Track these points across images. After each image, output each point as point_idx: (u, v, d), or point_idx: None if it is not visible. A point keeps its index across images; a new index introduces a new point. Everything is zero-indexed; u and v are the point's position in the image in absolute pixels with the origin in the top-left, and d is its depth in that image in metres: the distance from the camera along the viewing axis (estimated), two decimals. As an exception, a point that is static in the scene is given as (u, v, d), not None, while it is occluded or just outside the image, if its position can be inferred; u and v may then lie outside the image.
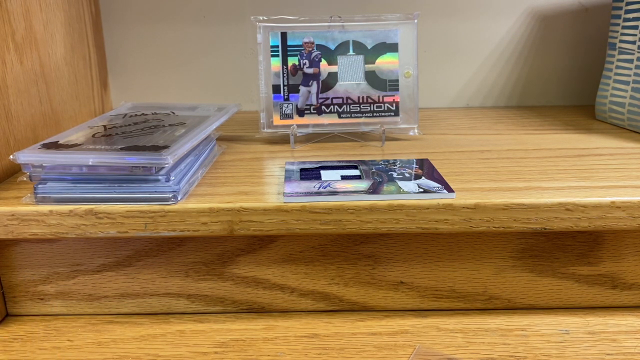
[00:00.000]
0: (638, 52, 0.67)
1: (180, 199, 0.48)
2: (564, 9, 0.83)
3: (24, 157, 0.46)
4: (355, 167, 0.55)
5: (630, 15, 0.68)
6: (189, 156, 0.52)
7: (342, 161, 0.57)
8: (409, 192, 0.48)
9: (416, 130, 0.66)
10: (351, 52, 0.64)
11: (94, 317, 0.53)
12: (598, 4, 0.82)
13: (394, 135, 0.68)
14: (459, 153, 0.61)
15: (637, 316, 0.52)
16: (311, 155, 0.61)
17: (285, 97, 0.64)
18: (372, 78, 0.65)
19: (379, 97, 0.65)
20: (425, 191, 0.48)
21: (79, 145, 0.49)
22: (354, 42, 0.64)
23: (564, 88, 0.86)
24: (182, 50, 0.84)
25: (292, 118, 0.65)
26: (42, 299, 0.54)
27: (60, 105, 0.67)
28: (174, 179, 0.47)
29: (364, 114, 0.65)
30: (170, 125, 0.56)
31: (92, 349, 0.49)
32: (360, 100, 0.65)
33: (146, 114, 0.61)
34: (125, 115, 0.61)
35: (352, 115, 0.65)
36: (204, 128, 0.55)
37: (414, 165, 0.55)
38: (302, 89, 0.64)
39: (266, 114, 0.65)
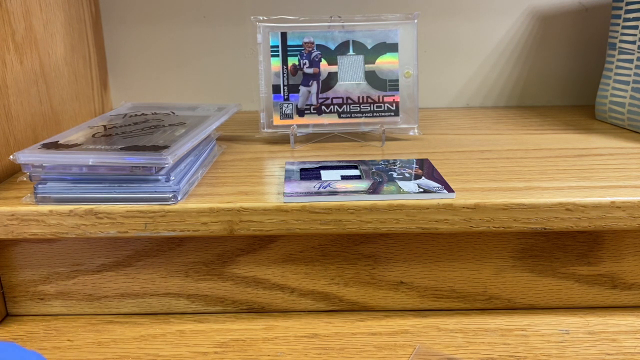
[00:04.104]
0: (638, 52, 0.67)
1: (180, 199, 0.48)
2: (564, 9, 0.83)
3: (24, 157, 0.46)
4: (355, 167, 0.55)
5: (630, 15, 0.68)
6: (189, 156, 0.52)
7: (342, 161, 0.57)
8: (409, 192, 0.48)
9: (416, 130, 0.66)
10: (351, 52, 0.64)
11: (94, 317, 0.53)
12: (598, 4, 0.82)
13: (394, 135, 0.68)
14: (459, 153, 0.61)
15: (637, 316, 0.52)
16: (311, 155, 0.61)
17: (285, 97, 0.64)
18: (372, 78, 0.65)
19: (379, 97, 0.65)
20: (425, 191, 0.48)
21: (79, 145, 0.49)
22: (354, 42, 0.64)
23: (564, 88, 0.86)
24: (182, 51, 0.84)
25: (292, 118, 0.65)
26: (42, 299, 0.54)
27: (60, 105, 0.67)
28: (174, 179, 0.47)
29: (364, 114, 0.65)
30: (170, 125, 0.56)
31: (92, 349, 0.49)
32: (360, 100, 0.65)
33: (146, 114, 0.61)
34: (125, 115, 0.61)
35: (352, 115, 0.65)
36: (204, 128, 0.55)
37: (414, 165, 0.55)
38: (302, 89, 0.64)
39: (266, 114, 0.65)
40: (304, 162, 0.57)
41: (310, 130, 0.65)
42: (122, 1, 0.81)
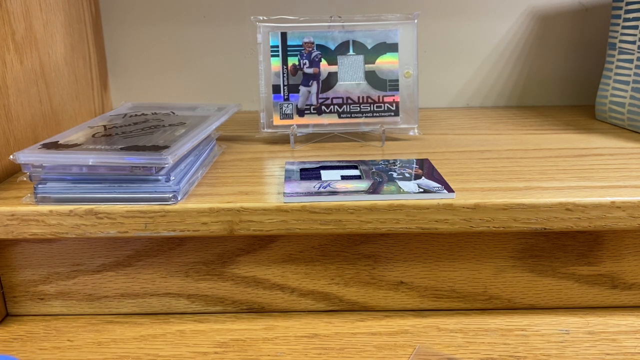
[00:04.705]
0: (638, 52, 0.67)
1: (180, 199, 0.48)
2: (564, 9, 0.83)
3: (24, 157, 0.46)
4: (355, 167, 0.55)
5: (630, 15, 0.68)
6: (189, 156, 0.52)
7: (342, 161, 0.57)
8: (409, 192, 0.48)
9: (416, 130, 0.66)
10: (351, 52, 0.64)
11: (94, 317, 0.53)
12: (598, 4, 0.82)
13: (394, 135, 0.68)
14: (459, 153, 0.61)
15: (637, 316, 0.52)
16: (311, 155, 0.61)
17: (285, 97, 0.64)
18: (372, 78, 0.65)
19: (379, 97, 0.65)
20: (425, 191, 0.48)
21: (79, 145, 0.49)
22: (354, 42, 0.64)
23: (564, 88, 0.86)
24: (182, 51, 0.84)
25: (292, 118, 0.65)
26: (42, 299, 0.54)
27: (60, 105, 0.67)
28: (174, 179, 0.47)
29: (364, 114, 0.65)
30: (170, 125, 0.56)
31: (92, 349, 0.49)
32: (360, 100, 0.65)
33: (146, 114, 0.61)
34: (125, 115, 0.61)
35: (352, 115, 0.65)
36: (204, 128, 0.55)
37: (414, 165, 0.55)
38: (302, 89, 0.64)
39: (266, 114, 0.65)
40: (304, 162, 0.57)
41: (310, 130, 0.65)
42: (122, 1, 0.81)
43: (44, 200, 0.47)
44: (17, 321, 0.53)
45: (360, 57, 0.65)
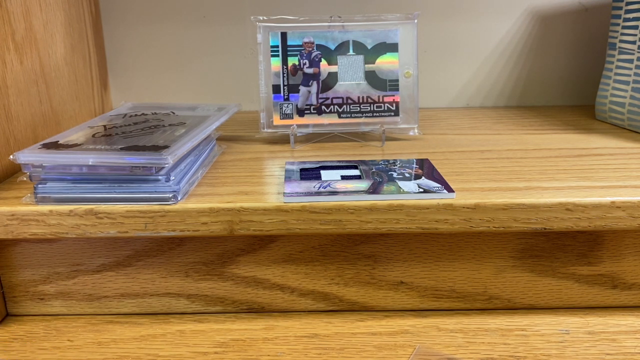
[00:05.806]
0: (638, 52, 0.67)
1: (180, 199, 0.48)
2: (564, 9, 0.83)
3: (24, 157, 0.46)
4: (355, 167, 0.55)
5: (630, 15, 0.68)
6: (189, 156, 0.52)
7: (342, 161, 0.57)
8: (409, 192, 0.48)
9: (416, 130, 0.66)
10: (351, 52, 0.64)
11: (94, 317, 0.53)
12: (598, 4, 0.82)
13: (394, 135, 0.68)
14: (459, 153, 0.61)
15: (637, 316, 0.52)
16: (311, 155, 0.61)
17: (285, 97, 0.64)
18: (372, 78, 0.65)
19: (379, 97, 0.65)
20: (425, 191, 0.48)
21: (79, 145, 0.49)
22: (354, 42, 0.64)
23: (564, 88, 0.86)
24: (182, 50, 0.84)
25: (292, 118, 0.65)
26: (42, 299, 0.54)
27: (60, 105, 0.67)
28: (174, 179, 0.47)
29: (364, 114, 0.65)
30: (170, 125, 0.56)
31: (92, 349, 0.49)
32: (360, 100, 0.65)
33: (146, 114, 0.61)
34: (125, 115, 0.61)
35: (352, 115, 0.65)
36: (204, 128, 0.55)
37: (414, 165, 0.55)
38: (302, 89, 0.64)
39: (266, 114, 0.65)
40: (304, 162, 0.57)
41: (310, 130, 0.65)
42: (122, 1, 0.81)
43: (44, 200, 0.47)
44: (17, 321, 0.53)
45: (360, 57, 0.65)
